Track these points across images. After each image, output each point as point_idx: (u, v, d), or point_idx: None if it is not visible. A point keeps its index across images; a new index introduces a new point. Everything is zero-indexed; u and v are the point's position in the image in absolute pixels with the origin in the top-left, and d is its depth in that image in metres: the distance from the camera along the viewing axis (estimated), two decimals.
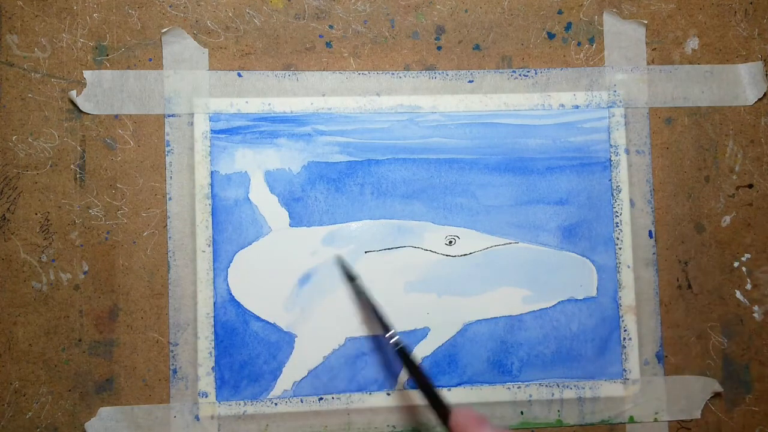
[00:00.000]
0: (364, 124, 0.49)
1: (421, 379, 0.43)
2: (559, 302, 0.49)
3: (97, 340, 0.47)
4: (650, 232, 0.50)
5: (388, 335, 0.45)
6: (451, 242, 0.49)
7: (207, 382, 0.47)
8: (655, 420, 0.49)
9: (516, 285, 0.49)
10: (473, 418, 0.38)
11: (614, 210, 0.50)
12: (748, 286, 0.50)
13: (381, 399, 0.48)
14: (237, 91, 0.49)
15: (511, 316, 0.49)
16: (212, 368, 0.47)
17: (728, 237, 0.51)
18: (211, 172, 0.48)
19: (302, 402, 0.48)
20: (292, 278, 0.48)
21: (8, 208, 0.47)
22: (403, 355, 0.44)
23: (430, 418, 0.48)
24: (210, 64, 0.49)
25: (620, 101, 0.50)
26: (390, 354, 0.48)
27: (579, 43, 0.51)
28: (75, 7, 0.48)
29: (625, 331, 0.49)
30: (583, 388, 0.49)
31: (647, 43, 0.51)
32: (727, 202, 0.51)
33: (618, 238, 0.50)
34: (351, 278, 0.48)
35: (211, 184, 0.48)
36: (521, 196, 0.50)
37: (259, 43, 0.49)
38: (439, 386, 0.48)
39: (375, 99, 0.50)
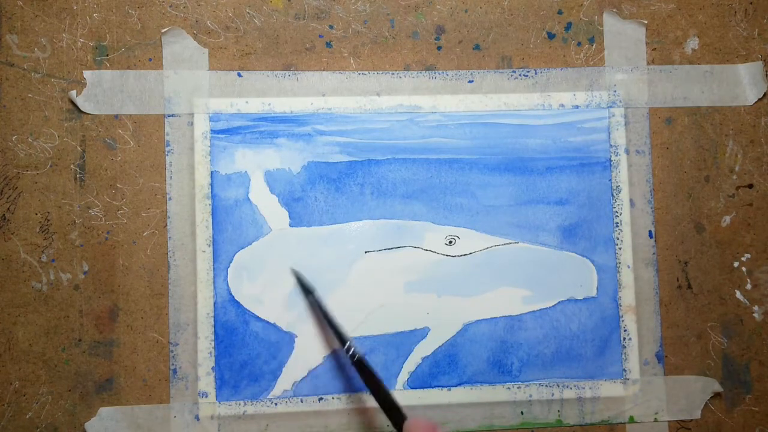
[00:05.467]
0: (364, 124, 0.49)
1: (378, 389, 0.43)
2: (559, 302, 0.49)
3: (97, 340, 0.47)
4: (650, 232, 0.50)
5: (345, 347, 0.45)
6: (451, 242, 0.49)
7: (207, 382, 0.47)
8: (655, 420, 0.49)
9: (516, 285, 0.49)
10: (425, 427, 0.39)
11: (614, 210, 0.50)
12: (748, 286, 0.50)
13: None
14: (237, 91, 0.49)
15: (511, 316, 0.49)
16: (212, 368, 0.47)
17: (728, 237, 0.51)
18: (211, 172, 0.48)
19: (302, 402, 0.48)
20: (292, 278, 0.48)
21: (8, 208, 0.47)
22: (360, 365, 0.44)
23: (431, 416, 0.48)
24: (210, 64, 0.49)
25: (620, 101, 0.50)
26: (389, 357, 0.48)
27: (579, 43, 0.51)
28: (75, 7, 0.48)
29: (625, 331, 0.49)
30: (583, 388, 0.49)
31: (647, 43, 0.51)
32: (727, 202, 0.51)
33: (618, 238, 0.50)
34: (307, 292, 0.47)
35: (211, 184, 0.48)
36: (521, 196, 0.50)
37: (259, 43, 0.49)
38: (438, 386, 0.48)
39: (375, 99, 0.50)
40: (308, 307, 0.48)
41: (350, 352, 0.44)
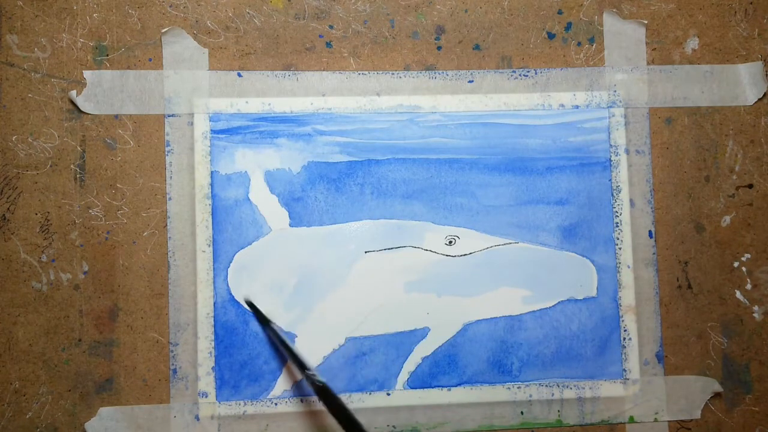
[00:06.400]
0: (364, 124, 0.49)
1: (342, 414, 0.43)
2: (559, 302, 0.49)
3: (97, 340, 0.47)
4: (650, 232, 0.50)
5: (309, 373, 0.44)
6: (451, 242, 0.49)
7: (207, 382, 0.47)
8: (655, 420, 0.49)
9: (516, 285, 0.49)
10: None
11: (614, 210, 0.50)
12: (748, 286, 0.50)
13: (381, 399, 0.48)
14: (237, 91, 0.49)
15: (511, 316, 0.49)
16: (212, 368, 0.47)
17: (728, 237, 0.51)
18: (211, 172, 0.48)
19: (302, 402, 0.48)
20: (292, 278, 0.48)
21: (8, 208, 0.47)
22: (323, 392, 0.44)
23: (431, 416, 0.48)
24: (210, 64, 0.49)
25: (620, 101, 0.50)
26: (389, 357, 0.48)
27: (579, 43, 0.51)
28: (75, 7, 0.48)
29: (625, 331, 0.49)
30: (583, 388, 0.49)
31: (647, 43, 0.51)
32: (727, 202, 0.51)
33: (618, 238, 0.50)
34: (265, 322, 0.47)
35: (211, 184, 0.48)
36: (521, 196, 0.50)
37: (259, 43, 0.49)
38: (438, 386, 0.48)
39: (375, 99, 0.50)
40: (267, 337, 0.47)
41: (312, 380, 0.44)
